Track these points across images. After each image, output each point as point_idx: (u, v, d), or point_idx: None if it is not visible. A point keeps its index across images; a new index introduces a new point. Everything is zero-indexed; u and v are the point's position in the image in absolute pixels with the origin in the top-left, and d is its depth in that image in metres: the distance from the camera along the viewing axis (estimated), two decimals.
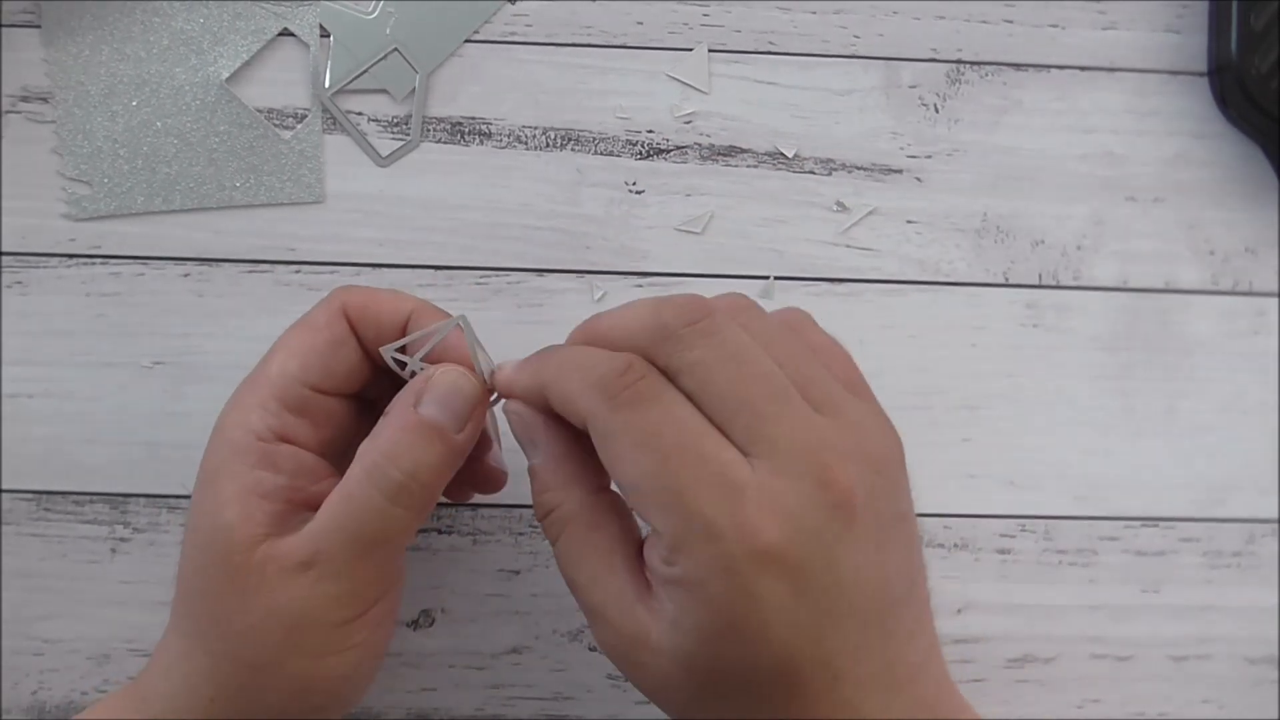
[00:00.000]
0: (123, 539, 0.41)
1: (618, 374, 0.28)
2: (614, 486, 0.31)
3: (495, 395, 0.33)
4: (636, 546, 0.30)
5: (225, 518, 0.30)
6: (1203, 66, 0.44)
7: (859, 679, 0.28)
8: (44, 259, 0.41)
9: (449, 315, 0.34)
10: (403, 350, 0.33)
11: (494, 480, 0.36)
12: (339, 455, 0.33)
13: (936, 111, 0.43)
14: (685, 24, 0.43)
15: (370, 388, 0.34)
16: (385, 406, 0.33)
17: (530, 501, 0.40)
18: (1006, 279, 0.43)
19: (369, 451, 0.31)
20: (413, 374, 0.33)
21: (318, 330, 0.33)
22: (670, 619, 0.28)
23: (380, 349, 0.33)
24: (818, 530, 0.27)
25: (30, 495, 0.41)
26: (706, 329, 0.29)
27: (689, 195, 0.43)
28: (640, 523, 0.30)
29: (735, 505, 0.27)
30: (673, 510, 0.27)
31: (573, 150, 0.42)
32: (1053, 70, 0.44)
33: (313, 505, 0.31)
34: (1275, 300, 0.44)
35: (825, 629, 0.27)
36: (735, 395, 0.28)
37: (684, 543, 0.27)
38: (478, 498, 0.38)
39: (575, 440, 0.31)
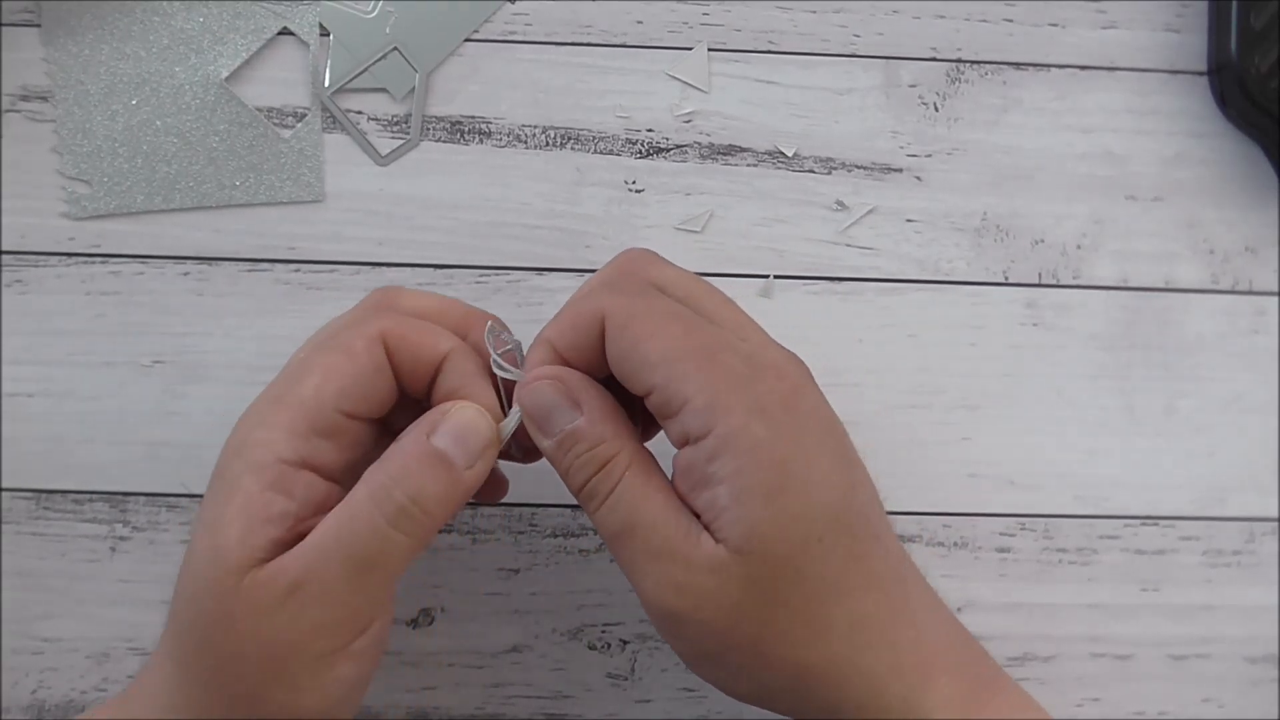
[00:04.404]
0: (122, 538, 0.41)
1: (616, 272, 0.33)
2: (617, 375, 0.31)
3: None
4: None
5: (223, 537, 0.30)
6: (1202, 66, 0.44)
7: (885, 527, 0.31)
8: (44, 258, 0.41)
9: (483, 358, 0.33)
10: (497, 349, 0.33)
11: (499, 488, 0.36)
12: (357, 477, 0.32)
13: (936, 110, 0.43)
14: (685, 23, 0.43)
15: (396, 413, 0.34)
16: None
17: (526, 501, 0.40)
18: (1006, 278, 0.43)
19: (375, 474, 0.31)
20: (504, 381, 0.33)
21: (356, 356, 0.32)
22: (731, 497, 0.29)
23: (491, 363, 0.33)
24: (813, 389, 0.31)
25: (30, 494, 0.41)
26: (651, 264, 0.33)
27: (689, 194, 0.43)
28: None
29: (751, 362, 0.30)
30: (709, 368, 0.29)
31: (572, 149, 0.42)
32: (1052, 69, 0.44)
33: None
34: (1275, 300, 0.44)
35: (850, 474, 0.31)
36: (704, 293, 0.32)
37: (722, 397, 0.29)
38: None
39: (611, 397, 0.32)
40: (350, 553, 0.30)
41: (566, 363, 0.32)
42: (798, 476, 0.29)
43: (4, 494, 0.41)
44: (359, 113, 0.42)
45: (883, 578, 0.30)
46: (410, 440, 0.31)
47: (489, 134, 0.42)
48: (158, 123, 0.41)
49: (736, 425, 0.29)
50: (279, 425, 0.31)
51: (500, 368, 0.32)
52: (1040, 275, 0.43)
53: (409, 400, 0.33)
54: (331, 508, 0.31)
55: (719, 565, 0.29)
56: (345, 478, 0.32)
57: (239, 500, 0.30)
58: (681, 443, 0.30)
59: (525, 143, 0.42)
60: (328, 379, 0.31)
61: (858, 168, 0.43)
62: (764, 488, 0.29)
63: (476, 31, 0.43)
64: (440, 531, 0.41)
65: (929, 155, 0.43)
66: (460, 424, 0.31)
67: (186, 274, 0.41)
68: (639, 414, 0.35)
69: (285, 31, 0.42)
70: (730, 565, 0.29)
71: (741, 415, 0.29)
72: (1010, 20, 0.44)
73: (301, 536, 0.30)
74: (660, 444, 0.32)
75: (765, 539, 0.29)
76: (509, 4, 0.43)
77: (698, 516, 0.30)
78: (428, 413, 0.32)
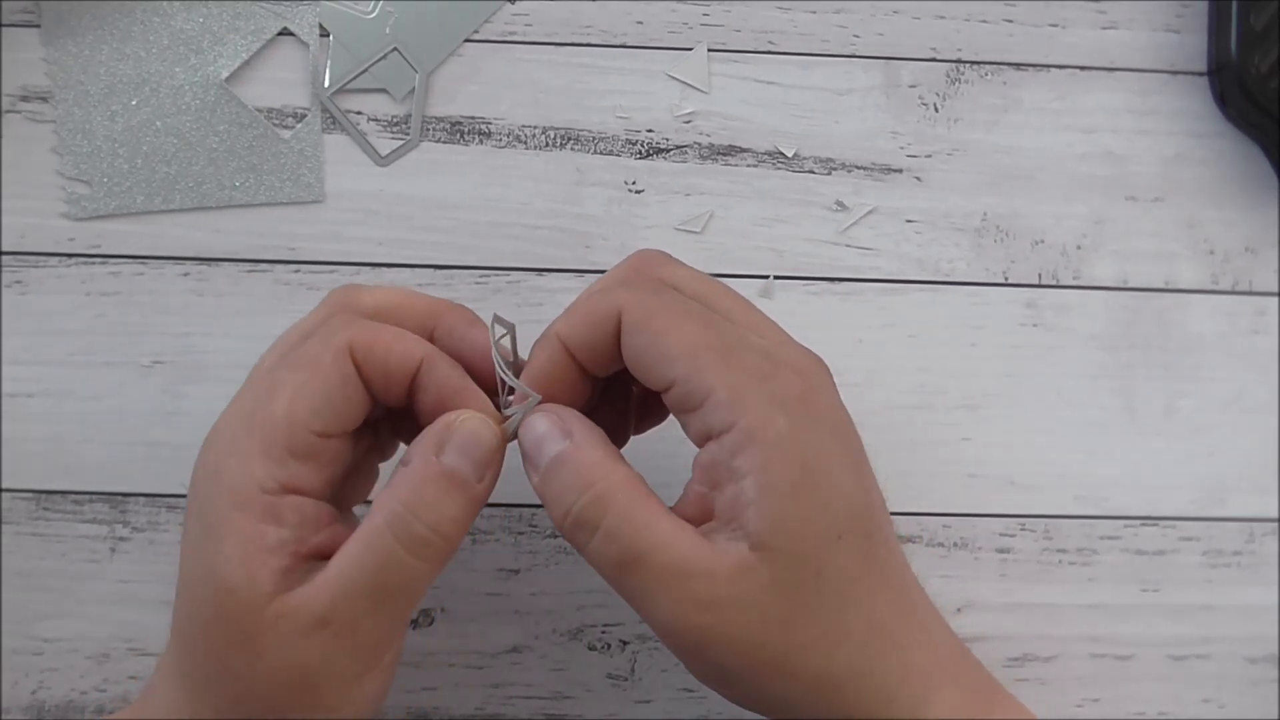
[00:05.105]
0: (122, 538, 0.41)
1: (630, 271, 0.33)
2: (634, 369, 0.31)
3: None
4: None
5: (230, 579, 0.29)
6: (1203, 66, 0.44)
7: (892, 532, 0.31)
8: (43, 258, 0.41)
9: (457, 357, 0.32)
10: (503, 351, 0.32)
11: None
12: (339, 490, 0.32)
13: (936, 111, 0.43)
14: (685, 23, 0.43)
15: (371, 420, 0.33)
16: (383, 436, 0.33)
17: (526, 502, 0.40)
18: (1006, 278, 0.43)
19: (389, 501, 0.30)
20: (511, 389, 0.32)
21: (323, 371, 0.30)
22: (757, 490, 0.28)
23: (498, 374, 0.32)
24: (830, 388, 0.31)
25: (30, 495, 0.41)
26: (665, 264, 0.33)
27: (689, 195, 0.43)
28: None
29: (770, 358, 0.30)
30: (729, 363, 0.29)
31: (572, 150, 0.42)
32: (1052, 70, 0.44)
33: (319, 555, 0.30)
34: (1275, 300, 0.44)
35: (865, 475, 0.31)
36: (719, 293, 0.32)
37: (743, 392, 0.29)
38: None
39: (602, 431, 0.31)
40: (374, 586, 0.29)
41: (573, 356, 0.32)
42: (819, 472, 0.29)
43: (4, 494, 0.41)
44: (359, 113, 0.42)
45: (893, 581, 0.30)
46: (420, 463, 0.30)
47: (489, 134, 0.42)
48: (158, 123, 0.41)
49: (760, 419, 0.29)
50: (253, 453, 0.29)
51: (502, 370, 0.32)
52: (1040, 275, 0.43)
53: (393, 410, 0.33)
54: (325, 524, 0.30)
55: (742, 571, 0.28)
56: (331, 493, 0.31)
57: (234, 539, 0.29)
58: (703, 439, 0.30)
59: (525, 143, 0.42)
60: (297, 400, 0.30)
61: (858, 168, 0.43)
62: (789, 482, 0.28)
63: (476, 31, 0.43)
64: None
65: (929, 155, 0.43)
66: (467, 437, 0.30)
67: (186, 274, 0.41)
68: (633, 409, 0.35)
69: (285, 32, 0.42)
70: (754, 568, 0.28)
71: (764, 409, 0.29)
72: (1010, 20, 0.44)
73: (303, 557, 0.30)
74: (653, 457, 0.32)
75: (790, 534, 0.28)
76: (509, 4, 0.43)
77: (713, 519, 0.29)
78: (430, 428, 0.31)
